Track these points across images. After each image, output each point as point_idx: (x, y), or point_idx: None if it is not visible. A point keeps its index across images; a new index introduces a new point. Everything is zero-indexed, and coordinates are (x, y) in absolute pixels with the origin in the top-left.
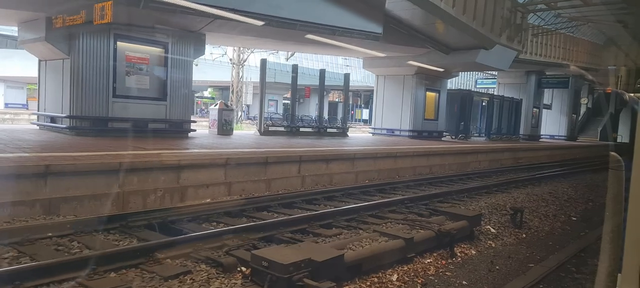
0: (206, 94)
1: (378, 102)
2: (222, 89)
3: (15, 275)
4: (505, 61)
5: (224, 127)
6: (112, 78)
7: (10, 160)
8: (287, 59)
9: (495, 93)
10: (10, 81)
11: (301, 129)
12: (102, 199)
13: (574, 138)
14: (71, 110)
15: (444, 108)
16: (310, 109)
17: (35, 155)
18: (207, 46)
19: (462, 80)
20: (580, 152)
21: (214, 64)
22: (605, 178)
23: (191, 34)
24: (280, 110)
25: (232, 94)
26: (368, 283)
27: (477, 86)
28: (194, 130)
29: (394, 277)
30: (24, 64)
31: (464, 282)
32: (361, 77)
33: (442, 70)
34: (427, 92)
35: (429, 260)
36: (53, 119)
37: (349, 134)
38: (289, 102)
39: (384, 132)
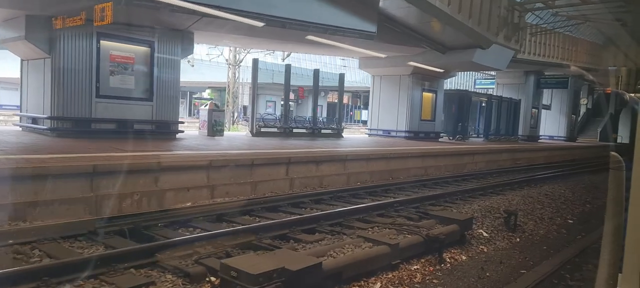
0: (205, 94)
1: (374, 102)
2: (220, 90)
3: None
4: (502, 61)
5: (214, 128)
6: (95, 78)
7: None
8: (283, 60)
9: (494, 93)
10: (5, 82)
11: (295, 130)
12: (73, 204)
13: (574, 139)
14: (52, 111)
15: (441, 109)
16: (309, 110)
17: (4, 158)
18: (204, 46)
19: (461, 81)
20: (580, 152)
21: (211, 64)
22: (604, 180)
23: (178, 33)
24: (279, 111)
25: (228, 95)
26: None
27: (476, 86)
28: (182, 132)
29: (377, 285)
30: (18, 65)
31: None
32: (361, 77)
33: (438, 70)
34: (423, 93)
35: (416, 267)
36: (34, 120)
37: (344, 135)
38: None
39: (380, 133)
